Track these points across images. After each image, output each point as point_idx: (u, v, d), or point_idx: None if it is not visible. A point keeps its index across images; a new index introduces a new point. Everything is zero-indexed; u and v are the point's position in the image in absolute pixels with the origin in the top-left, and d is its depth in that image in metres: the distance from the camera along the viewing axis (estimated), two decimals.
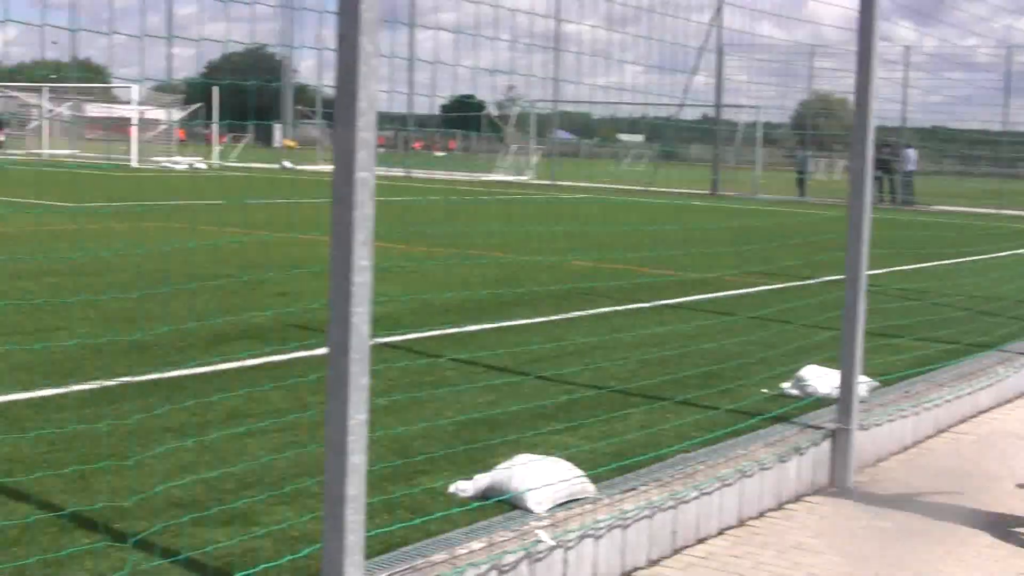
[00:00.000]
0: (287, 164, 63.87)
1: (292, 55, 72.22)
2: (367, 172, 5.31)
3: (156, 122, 72.79)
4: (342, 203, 5.29)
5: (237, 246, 19.53)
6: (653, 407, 9.93)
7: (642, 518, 7.38)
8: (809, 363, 11.39)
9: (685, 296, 17.16)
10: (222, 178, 47.50)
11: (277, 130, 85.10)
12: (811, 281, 19.60)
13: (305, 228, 21.95)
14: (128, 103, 74.84)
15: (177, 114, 74.35)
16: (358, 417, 5.22)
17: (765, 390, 10.75)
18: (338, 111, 5.34)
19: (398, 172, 60.81)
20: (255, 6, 6.50)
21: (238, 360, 10.84)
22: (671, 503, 7.64)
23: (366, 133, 5.32)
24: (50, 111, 76.08)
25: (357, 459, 5.24)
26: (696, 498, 7.88)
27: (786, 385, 10.82)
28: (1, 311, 13.14)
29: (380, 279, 15.90)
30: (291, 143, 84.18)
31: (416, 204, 34.92)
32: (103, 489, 6.97)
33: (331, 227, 5.30)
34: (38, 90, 78.25)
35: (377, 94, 5.38)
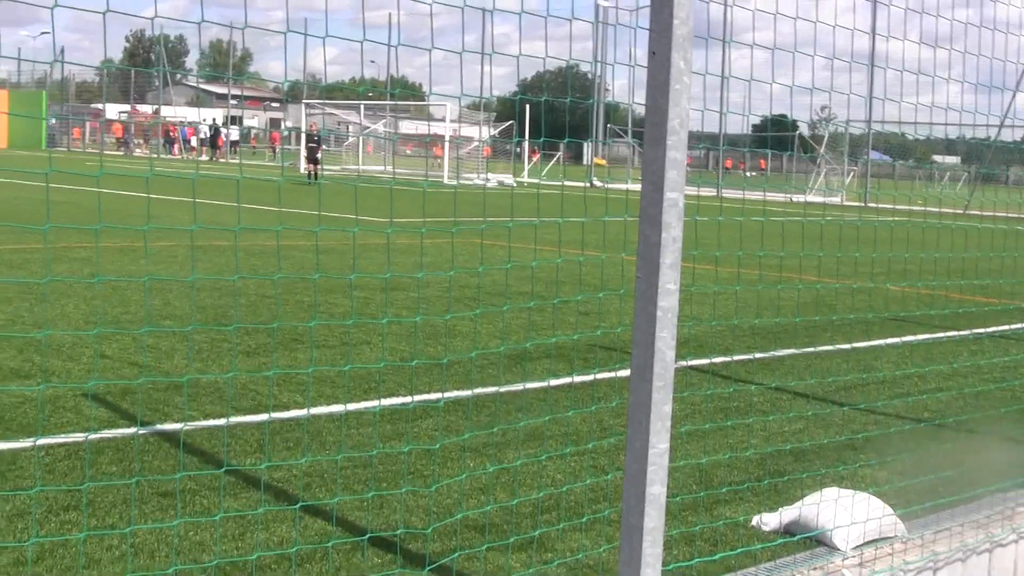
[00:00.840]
0: (596, 182, 63.91)
1: (604, 73, 73.28)
2: (676, 193, 5.11)
3: (468, 139, 74.53)
4: (650, 224, 5.09)
5: (546, 264, 19.55)
6: (969, 442, 9.48)
7: (954, 561, 7.00)
8: None
9: (1005, 325, 16.48)
10: (532, 195, 46.59)
11: (587, 148, 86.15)
12: None
13: (612, 248, 21.77)
14: (442, 120, 76.79)
15: (489, 131, 75.78)
16: (659, 446, 5.01)
17: None
18: (648, 130, 5.14)
19: (708, 192, 60.61)
20: (569, 24, 6.35)
21: (540, 380, 10.73)
22: (987, 546, 7.23)
23: (676, 152, 5.11)
24: (366, 128, 78.72)
25: (656, 490, 5.03)
26: (1014, 542, 7.44)
27: None
28: (311, 325, 13.31)
29: (686, 300, 15.66)
30: (600, 161, 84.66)
31: (726, 223, 34.53)
32: (399, 508, 6.89)
33: (638, 248, 5.10)
34: (355, 108, 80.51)
35: (688, 112, 5.17)
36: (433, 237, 24.95)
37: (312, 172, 53.04)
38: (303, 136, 69.41)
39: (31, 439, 7.92)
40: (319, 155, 54.46)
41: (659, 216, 5.07)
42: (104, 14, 4.84)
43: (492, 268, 18.78)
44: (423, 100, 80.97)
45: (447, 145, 70.55)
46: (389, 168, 73.17)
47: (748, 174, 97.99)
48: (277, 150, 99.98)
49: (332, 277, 17.35)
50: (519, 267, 19.55)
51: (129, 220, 25.83)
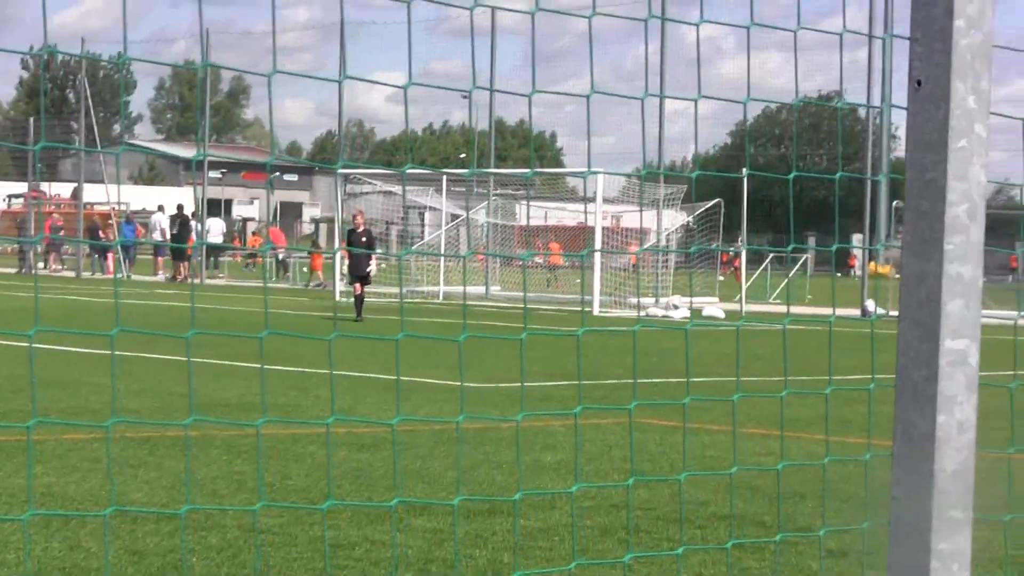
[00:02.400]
0: (874, 308, 38.14)
1: (885, 113, 46.46)
2: (963, 341, 2.73)
3: (636, 233, 49.91)
4: (912, 399, 2.71)
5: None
6: None
7: None
8: None
9: None
10: (765, 336, 29.79)
11: (859, 245, 52.89)
12: None
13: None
14: (588, 200, 48.70)
15: (679, 216, 48.90)
16: None
17: None
18: (910, 221, 2.77)
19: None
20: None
21: None
22: None
23: (963, 265, 2.74)
24: (456, 218, 52.00)
25: None
26: None
27: None
28: None
29: None
30: (883, 269, 53.21)
31: None
32: None
33: (894, 445, 2.70)
34: (435, 182, 50.57)
35: (985, 188, 2.79)
36: (565, 418, 14.77)
37: (360, 297, 32.28)
38: (342, 229, 39.79)
39: None
40: (371, 268, 33.79)
41: (929, 385, 2.69)
42: None
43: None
44: (561, 165, 61.21)
45: (598, 242, 41.19)
46: (494, 290, 47.70)
47: None
48: (282, 259, 57.71)
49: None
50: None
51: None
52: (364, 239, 32.35)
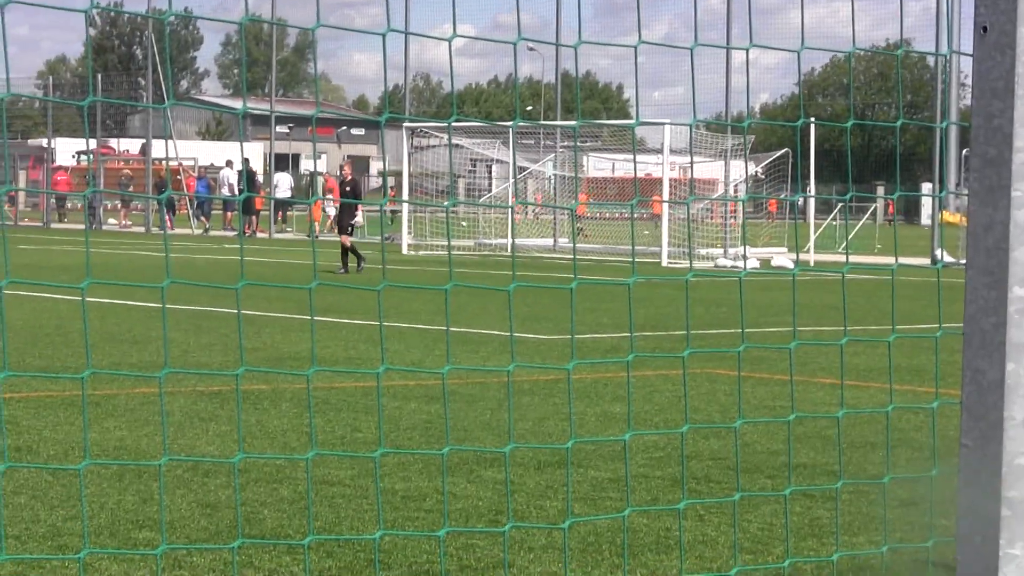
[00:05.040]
0: (947, 257, 38.53)
1: (954, 59, 45.47)
2: None
3: (709, 184, 50.45)
4: (982, 348, 2.70)
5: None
6: None
7: None
8: None
9: None
10: (829, 284, 30.31)
11: (928, 197, 54.05)
12: None
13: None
14: (655, 151, 49.06)
15: (747, 167, 49.17)
16: None
17: None
18: (976, 168, 2.76)
19: None
20: None
21: None
22: None
23: None
24: (523, 170, 52.47)
25: None
26: None
27: None
28: None
29: None
30: (952, 217, 51.98)
31: None
32: None
33: (962, 393, 2.70)
34: (501, 135, 50.08)
35: None
36: (636, 368, 14.93)
37: (347, 249, 31.05)
38: (410, 183, 44.63)
39: None
40: (358, 219, 33.25)
41: (997, 332, 2.67)
42: None
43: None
44: (627, 117, 61.97)
45: (666, 192, 41.72)
46: (562, 242, 47.53)
47: None
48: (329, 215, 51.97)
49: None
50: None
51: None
52: (349, 189, 32.28)
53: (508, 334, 17.76)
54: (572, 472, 9.40)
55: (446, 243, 43.46)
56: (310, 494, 8.52)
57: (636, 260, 41.01)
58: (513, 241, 39.94)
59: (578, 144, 53.09)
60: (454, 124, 46.72)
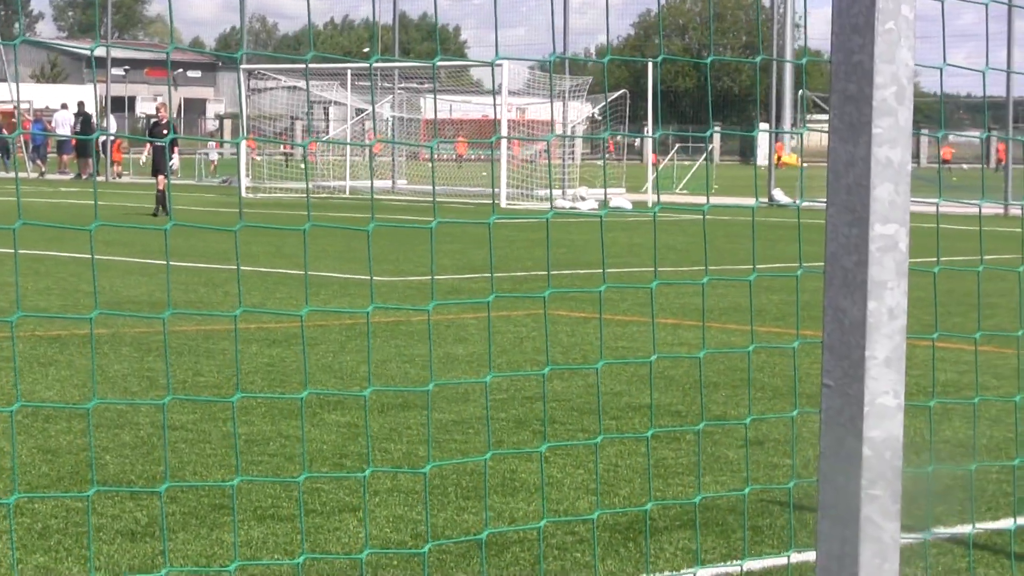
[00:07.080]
0: (781, 198, 40.62)
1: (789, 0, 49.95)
2: (893, 226, 2.71)
3: (541, 125, 47.14)
4: (842, 285, 2.71)
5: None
6: None
7: None
8: None
9: None
10: (663, 226, 30.85)
11: (762, 135, 53.70)
12: None
13: (813, 324, 16.50)
14: (492, 93, 48.45)
15: (585, 108, 48.32)
16: None
17: None
18: (836, 106, 2.75)
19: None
20: None
21: None
22: None
23: (892, 149, 2.72)
24: (361, 112, 50.73)
25: None
26: None
27: None
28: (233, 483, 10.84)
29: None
30: (789, 159, 56.34)
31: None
32: None
33: (823, 331, 2.71)
34: (340, 76, 48.75)
35: (912, 73, 2.77)
36: (476, 310, 14.79)
37: (162, 192, 30.43)
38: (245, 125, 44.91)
39: None
40: (174, 162, 33.22)
41: (859, 271, 2.67)
42: None
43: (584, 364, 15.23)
44: (464, 58, 60.75)
45: (505, 131, 41.27)
46: (401, 184, 47.09)
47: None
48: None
49: (268, 399, 14.19)
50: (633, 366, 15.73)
51: None
52: (165, 132, 30.95)
53: (345, 276, 17.65)
54: (414, 415, 9.34)
55: (285, 186, 43.42)
56: (166, 441, 8.38)
57: (470, 202, 41.13)
58: (372, 180, 40.24)
59: (415, 86, 52.42)
60: (292, 66, 46.37)
